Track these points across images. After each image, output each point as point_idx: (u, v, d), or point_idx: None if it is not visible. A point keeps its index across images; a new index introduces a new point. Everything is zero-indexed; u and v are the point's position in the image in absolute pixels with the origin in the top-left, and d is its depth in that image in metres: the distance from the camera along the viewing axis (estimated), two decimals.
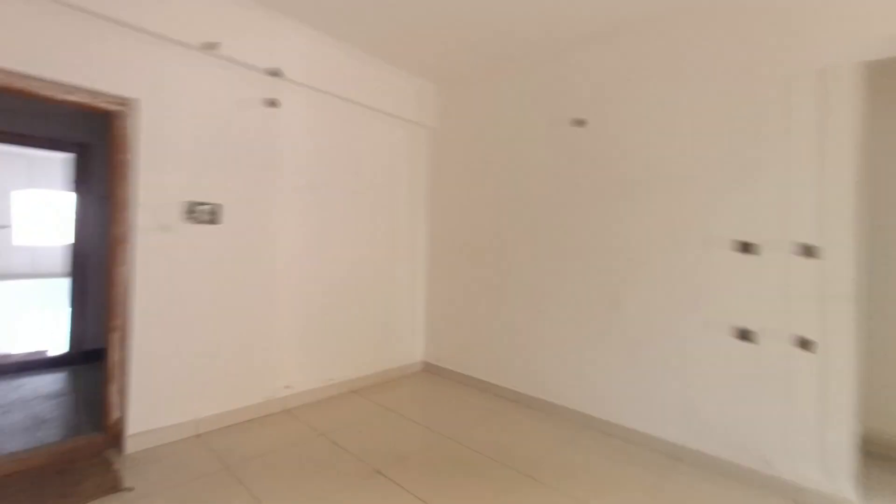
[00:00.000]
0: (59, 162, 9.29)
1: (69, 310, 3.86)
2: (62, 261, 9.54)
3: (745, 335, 2.35)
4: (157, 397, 2.50)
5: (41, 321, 5.48)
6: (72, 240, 3.92)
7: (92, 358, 3.91)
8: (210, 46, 2.59)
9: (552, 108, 3.26)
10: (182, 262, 2.58)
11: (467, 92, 3.90)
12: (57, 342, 4.20)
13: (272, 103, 2.95)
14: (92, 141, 3.91)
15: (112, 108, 2.40)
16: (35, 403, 2.97)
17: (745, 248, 2.37)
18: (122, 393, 2.44)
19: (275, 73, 2.91)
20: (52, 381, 3.42)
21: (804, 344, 2.17)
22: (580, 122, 3.07)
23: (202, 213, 2.64)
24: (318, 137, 3.29)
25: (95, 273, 3.97)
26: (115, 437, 2.43)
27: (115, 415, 2.44)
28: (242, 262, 2.86)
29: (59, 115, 3.73)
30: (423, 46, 3.34)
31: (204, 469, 2.27)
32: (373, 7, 2.80)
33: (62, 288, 7.03)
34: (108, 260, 2.48)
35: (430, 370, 4.12)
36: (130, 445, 2.39)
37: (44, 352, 4.07)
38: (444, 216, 4.11)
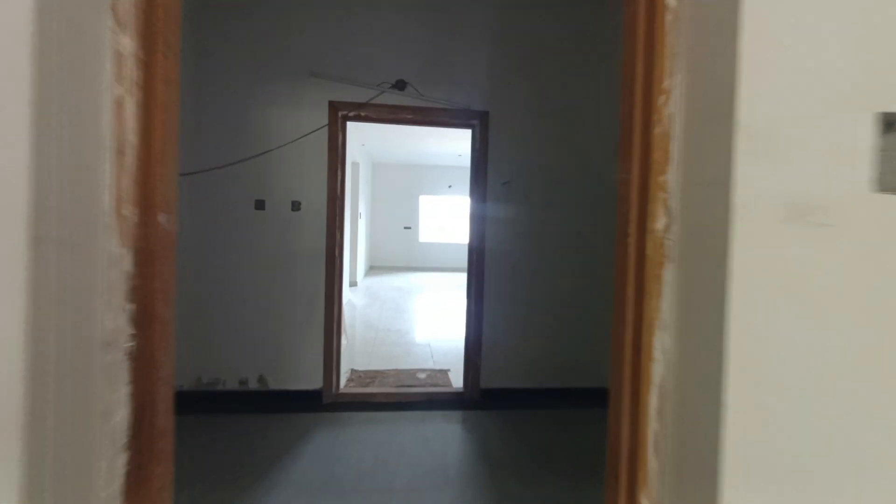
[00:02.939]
0: (449, 170, 10.50)
1: (464, 340, 2.99)
2: (462, 257, 10.84)
3: None
4: None
5: (443, 319, 5.51)
6: (468, 240, 3.02)
7: (491, 401, 2.91)
8: None
9: None
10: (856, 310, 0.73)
11: None
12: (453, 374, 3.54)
13: None
14: (491, 108, 2.85)
15: None
16: (445, 491, 1.94)
17: None
18: None
19: None
20: (454, 436, 2.49)
21: None
22: None
23: None
24: None
25: (498, 285, 2.95)
26: None
27: None
28: None
29: (461, 80, 2.82)
30: None
31: None
32: None
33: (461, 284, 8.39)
34: (619, 295, 0.91)
35: None
36: None
37: (445, 373, 3.45)
38: None
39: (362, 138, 7.30)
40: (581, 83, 2.95)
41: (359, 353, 4.04)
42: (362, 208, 8.41)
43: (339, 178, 2.83)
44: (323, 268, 2.81)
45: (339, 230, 2.86)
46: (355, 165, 7.52)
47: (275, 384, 2.80)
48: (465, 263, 9.96)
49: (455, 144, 7.72)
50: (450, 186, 10.68)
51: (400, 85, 2.79)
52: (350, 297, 6.74)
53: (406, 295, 7.35)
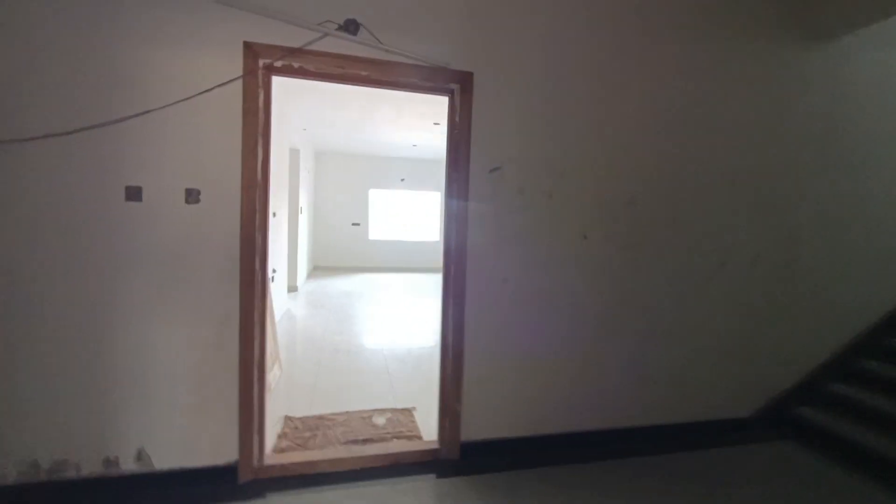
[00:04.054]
0: (402, 161, 9.63)
1: (439, 374, 2.24)
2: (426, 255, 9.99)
3: None
4: None
5: (401, 331, 4.69)
6: (444, 241, 2.29)
7: (479, 458, 2.19)
8: None
9: None
10: None
11: None
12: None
13: None
14: (477, 68, 2.11)
15: None
16: None
17: None
18: None
19: None
20: None
21: None
22: None
23: None
24: None
25: (483, 298, 2.23)
26: None
27: None
28: None
29: (438, 26, 2.06)
30: None
31: None
32: None
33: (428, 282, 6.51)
34: None
35: None
36: None
37: (410, 414, 2.68)
38: None
39: (303, 121, 6.28)
40: (610, 37, 2.28)
41: (298, 386, 3.16)
42: (303, 202, 7.37)
43: (261, 156, 1.95)
44: (236, 284, 1.93)
45: (262, 231, 1.99)
46: (294, 152, 6.48)
47: (163, 462, 1.88)
48: (420, 263, 9.19)
49: (412, 132, 6.91)
50: (402, 180, 9.84)
51: (351, 27, 1.96)
52: (289, 307, 5.74)
53: (355, 300, 6.46)
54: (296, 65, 1.95)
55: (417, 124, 6.35)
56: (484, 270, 2.23)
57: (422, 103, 5.10)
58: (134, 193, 1.80)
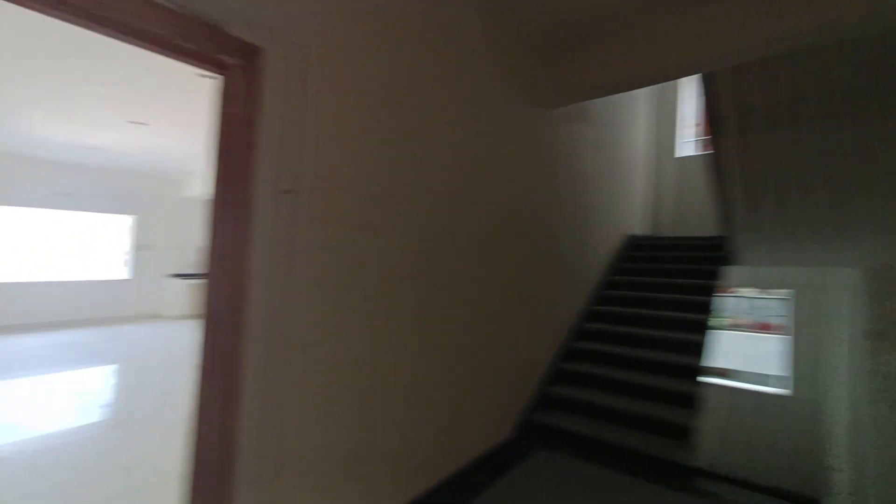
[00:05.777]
0: (69, 168, 6.66)
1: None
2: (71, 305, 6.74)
3: None
4: None
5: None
6: (207, 292, 1.45)
7: None
8: None
9: None
10: None
11: None
12: None
13: None
14: (274, 42, 1.49)
15: None
16: None
17: None
18: None
19: None
20: None
21: None
22: None
23: None
24: None
25: (265, 375, 1.49)
26: None
27: None
28: None
29: None
30: None
31: None
32: None
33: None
34: None
35: None
36: None
37: None
38: None
39: None
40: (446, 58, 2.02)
41: None
42: None
43: None
44: None
45: None
46: None
47: None
48: (91, 312, 6.43)
49: (97, 131, 4.82)
50: (71, 195, 6.81)
51: None
52: None
53: None
54: None
55: (105, 119, 4.47)
56: (269, 338, 1.51)
57: (125, 90, 3.59)
58: None
